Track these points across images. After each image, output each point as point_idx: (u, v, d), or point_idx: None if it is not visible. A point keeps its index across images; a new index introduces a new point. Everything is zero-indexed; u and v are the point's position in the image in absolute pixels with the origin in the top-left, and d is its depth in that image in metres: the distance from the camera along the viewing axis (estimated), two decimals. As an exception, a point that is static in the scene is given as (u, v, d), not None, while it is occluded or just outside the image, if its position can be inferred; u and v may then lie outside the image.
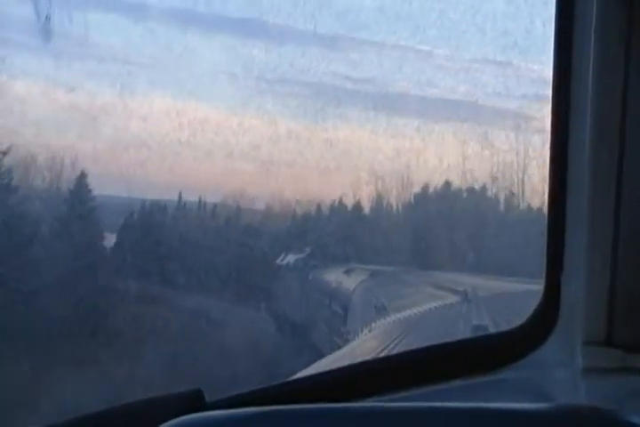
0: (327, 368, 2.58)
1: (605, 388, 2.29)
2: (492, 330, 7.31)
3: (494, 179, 9.51)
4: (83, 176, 10.37)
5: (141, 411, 2.19)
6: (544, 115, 2.50)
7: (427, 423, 1.94)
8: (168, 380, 8.43)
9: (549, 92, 2.43)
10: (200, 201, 11.51)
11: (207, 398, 2.28)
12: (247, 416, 1.91)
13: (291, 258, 11.81)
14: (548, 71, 2.42)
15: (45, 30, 7.12)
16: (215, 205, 11.69)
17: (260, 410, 1.93)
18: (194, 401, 2.19)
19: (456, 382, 2.43)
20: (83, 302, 10.05)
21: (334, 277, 11.89)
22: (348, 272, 11.96)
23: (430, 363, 2.49)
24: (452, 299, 10.28)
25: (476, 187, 10.28)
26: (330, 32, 8.53)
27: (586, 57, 2.30)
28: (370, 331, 10.04)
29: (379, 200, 10.89)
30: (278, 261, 11.87)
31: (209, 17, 9.70)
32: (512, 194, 9.77)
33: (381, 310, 10.73)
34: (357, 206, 11.25)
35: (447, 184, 9.85)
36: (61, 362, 9.36)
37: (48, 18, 6.82)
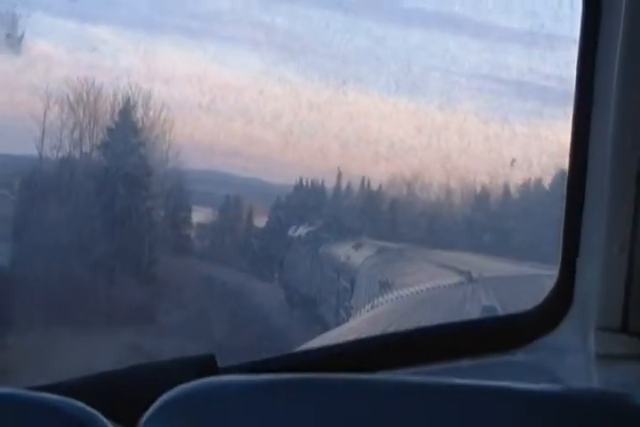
0: (333, 341, 2.59)
1: (618, 374, 2.29)
2: (500, 312, 7.33)
3: (513, 160, 9.46)
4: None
5: (154, 372, 2.21)
6: (568, 98, 2.49)
7: (433, 397, 1.95)
8: (179, 345, 8.48)
9: (574, 75, 2.42)
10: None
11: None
12: (262, 382, 1.93)
13: (302, 230, 11.84)
14: (573, 55, 2.42)
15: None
16: (229, 175, 11.68)
17: (276, 377, 1.95)
18: (207, 366, 2.21)
19: (465, 361, 2.44)
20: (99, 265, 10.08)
21: (343, 250, 11.91)
22: (356, 247, 11.98)
23: (441, 341, 2.50)
24: (456, 279, 10.30)
25: (495, 167, 10.24)
26: (354, 6, 8.48)
27: (613, 41, 2.29)
28: (372, 307, 10.08)
29: (396, 175, 10.88)
30: (290, 232, 11.90)
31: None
32: (529, 176, 9.72)
33: (386, 287, 10.76)
34: (374, 181, 11.24)
35: (466, 164, 9.82)
36: (71, 324, 9.42)
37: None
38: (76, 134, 10.23)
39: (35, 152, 10.07)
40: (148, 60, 8.82)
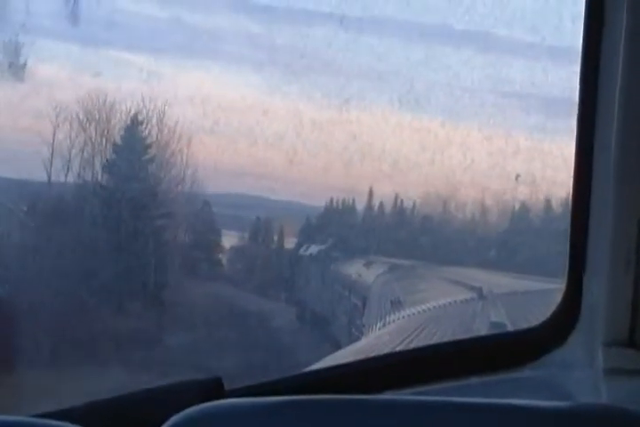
0: (344, 360, 2.58)
1: (626, 389, 2.27)
2: (509, 328, 7.31)
3: (517, 176, 9.45)
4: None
5: (160, 396, 2.20)
6: (570, 113, 2.49)
7: (443, 417, 1.94)
8: (187, 366, 8.45)
9: (576, 88, 2.42)
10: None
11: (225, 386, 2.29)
12: (269, 405, 1.92)
13: (313, 249, 11.85)
14: (575, 68, 2.42)
15: (73, 15, 7.18)
16: (237, 195, 11.71)
17: (282, 399, 1.94)
18: (213, 389, 2.20)
19: (474, 379, 2.43)
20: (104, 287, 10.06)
21: (354, 269, 11.91)
22: (367, 265, 11.97)
23: (450, 358, 2.49)
24: (468, 295, 10.28)
25: (499, 184, 10.22)
26: (355, 24, 8.50)
27: (616, 54, 2.29)
28: (384, 325, 10.06)
29: (401, 193, 10.87)
30: (301, 251, 11.91)
31: (235, 3, 9.72)
32: (535, 192, 9.71)
33: (397, 305, 10.75)
34: (379, 199, 11.24)
35: (471, 180, 9.80)
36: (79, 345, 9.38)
37: (76, 2, 6.88)
38: (86, 153, 10.25)
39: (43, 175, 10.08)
40: (151, 83, 8.86)
